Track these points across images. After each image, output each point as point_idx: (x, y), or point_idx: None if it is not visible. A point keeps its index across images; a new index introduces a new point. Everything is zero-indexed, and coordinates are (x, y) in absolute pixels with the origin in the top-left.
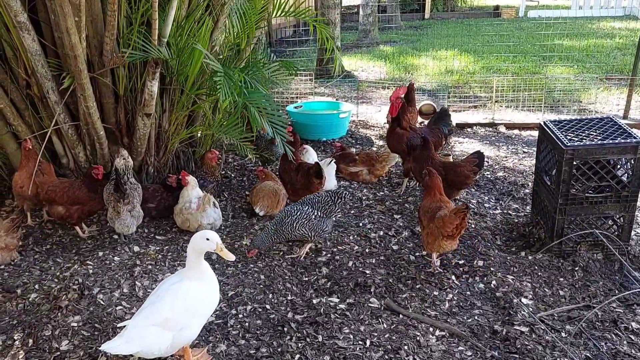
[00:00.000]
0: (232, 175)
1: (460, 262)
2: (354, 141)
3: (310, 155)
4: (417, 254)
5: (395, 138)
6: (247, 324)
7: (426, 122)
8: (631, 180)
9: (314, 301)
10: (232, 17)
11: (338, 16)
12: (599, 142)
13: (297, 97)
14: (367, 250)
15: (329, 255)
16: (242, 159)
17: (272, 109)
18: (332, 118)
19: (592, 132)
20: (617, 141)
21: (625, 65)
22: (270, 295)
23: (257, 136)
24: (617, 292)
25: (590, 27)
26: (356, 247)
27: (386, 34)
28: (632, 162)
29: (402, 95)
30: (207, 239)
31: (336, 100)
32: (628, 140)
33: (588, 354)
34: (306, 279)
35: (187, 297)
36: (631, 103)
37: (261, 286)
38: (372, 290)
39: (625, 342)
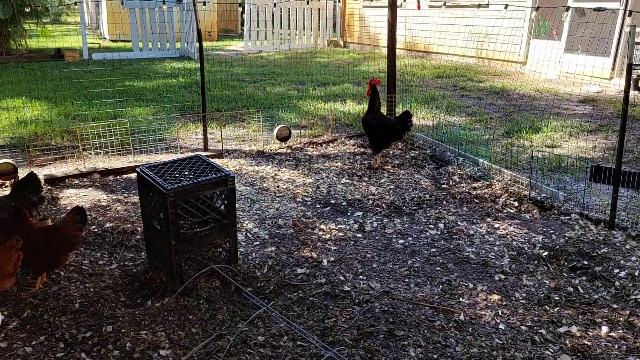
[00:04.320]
0: None
1: (87, 334)
2: None
3: None
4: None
5: None
6: None
7: (7, 182)
8: (228, 209)
9: None
10: None
11: None
12: (195, 180)
13: None
14: None
15: None
16: None
17: None
18: None
19: (185, 172)
20: (210, 177)
21: (194, 101)
22: None
23: None
24: (239, 312)
25: (154, 68)
26: None
27: None
28: (225, 193)
29: None
30: None
31: None
32: (219, 175)
33: None
34: None
35: None
36: (207, 136)
37: None
38: None
39: (257, 357)
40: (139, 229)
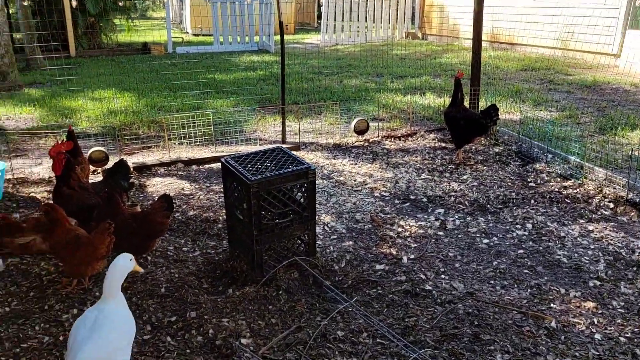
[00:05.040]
0: None
1: (173, 318)
2: (15, 205)
3: None
4: None
5: (62, 200)
6: None
7: (100, 169)
8: (308, 202)
9: None
10: None
11: None
12: (277, 172)
13: None
14: (61, 337)
15: (11, 359)
16: None
17: None
18: None
19: (267, 164)
20: (291, 169)
21: (273, 94)
22: None
23: None
24: (317, 305)
25: (233, 61)
26: (46, 337)
27: (29, 75)
28: (306, 185)
29: (65, 150)
30: (130, 259)
31: None
32: (300, 167)
33: None
34: None
35: (123, 325)
36: (285, 128)
37: None
38: None
39: (337, 352)
40: (220, 217)
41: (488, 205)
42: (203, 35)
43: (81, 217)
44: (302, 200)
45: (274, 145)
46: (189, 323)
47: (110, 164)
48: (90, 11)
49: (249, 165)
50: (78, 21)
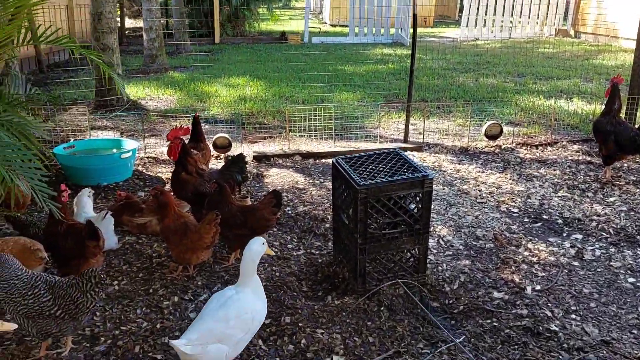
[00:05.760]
0: None
1: (267, 321)
2: (142, 183)
3: (85, 205)
4: None
5: (179, 185)
6: None
7: (222, 155)
8: (422, 214)
9: None
10: None
11: (115, 41)
12: (389, 178)
13: (74, 134)
14: (158, 325)
15: (109, 341)
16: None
17: (23, 159)
18: (111, 160)
19: (381, 168)
20: (405, 177)
21: (400, 89)
22: None
23: None
24: (421, 329)
25: (366, 53)
26: (145, 323)
27: (176, 59)
28: (421, 196)
29: (183, 136)
30: (263, 243)
31: (121, 135)
32: (415, 175)
33: None
34: None
35: (247, 314)
36: (409, 127)
37: None
38: None
39: None
40: (329, 217)
41: (638, 237)
42: (340, 25)
43: (195, 204)
44: (415, 211)
45: (390, 149)
46: (282, 328)
47: (233, 151)
48: (234, 0)
49: (361, 168)
50: (224, 10)
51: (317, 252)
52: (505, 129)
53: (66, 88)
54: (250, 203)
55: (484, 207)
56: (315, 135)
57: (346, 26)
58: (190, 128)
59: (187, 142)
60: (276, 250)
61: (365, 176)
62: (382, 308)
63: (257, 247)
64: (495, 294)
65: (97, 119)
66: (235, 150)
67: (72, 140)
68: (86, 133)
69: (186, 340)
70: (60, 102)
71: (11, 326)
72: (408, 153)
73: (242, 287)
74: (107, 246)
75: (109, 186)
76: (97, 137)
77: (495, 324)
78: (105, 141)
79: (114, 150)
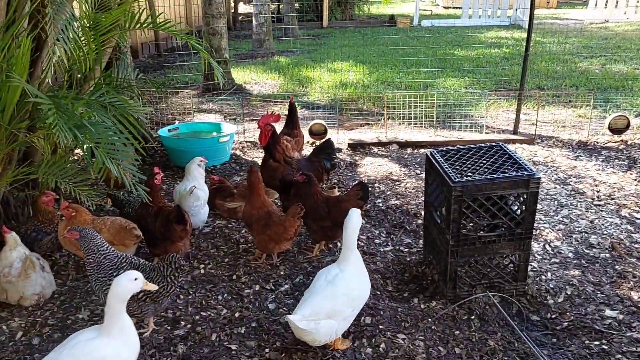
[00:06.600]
0: None
1: None
2: (238, 167)
3: (193, 172)
4: None
5: (268, 172)
6: None
7: (318, 142)
8: (525, 217)
9: None
10: (67, 33)
11: (224, 26)
12: (489, 176)
13: (182, 116)
14: (237, 314)
15: (188, 326)
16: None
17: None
18: (209, 143)
19: (480, 163)
20: (507, 175)
21: (513, 76)
22: None
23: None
24: (516, 344)
25: (478, 36)
26: (224, 310)
27: (283, 44)
28: (525, 197)
29: (274, 122)
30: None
31: (224, 118)
32: (519, 174)
33: None
34: None
35: (353, 291)
36: (520, 117)
37: None
38: None
39: None
40: (421, 212)
41: None
42: (454, 7)
43: (283, 192)
44: (517, 213)
45: (498, 139)
46: (361, 329)
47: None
48: None
49: (458, 163)
50: None
51: (407, 249)
52: (633, 122)
53: (180, 71)
54: (338, 193)
55: (602, 211)
56: (415, 123)
57: (460, 8)
58: (281, 115)
59: (281, 128)
60: (362, 244)
61: (462, 172)
62: (472, 317)
63: (358, 219)
64: (608, 312)
65: (204, 102)
66: (330, 137)
67: (176, 122)
68: (192, 116)
69: (300, 316)
70: (166, 87)
71: (153, 287)
72: (517, 146)
73: (345, 264)
74: (193, 224)
75: (207, 169)
76: (200, 121)
77: (605, 347)
78: (208, 125)
79: (214, 134)
